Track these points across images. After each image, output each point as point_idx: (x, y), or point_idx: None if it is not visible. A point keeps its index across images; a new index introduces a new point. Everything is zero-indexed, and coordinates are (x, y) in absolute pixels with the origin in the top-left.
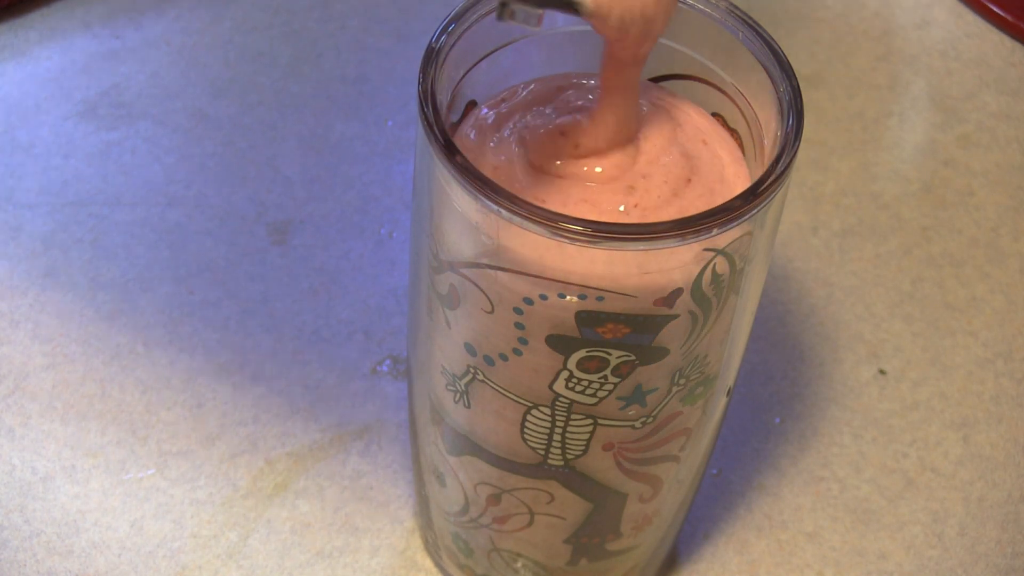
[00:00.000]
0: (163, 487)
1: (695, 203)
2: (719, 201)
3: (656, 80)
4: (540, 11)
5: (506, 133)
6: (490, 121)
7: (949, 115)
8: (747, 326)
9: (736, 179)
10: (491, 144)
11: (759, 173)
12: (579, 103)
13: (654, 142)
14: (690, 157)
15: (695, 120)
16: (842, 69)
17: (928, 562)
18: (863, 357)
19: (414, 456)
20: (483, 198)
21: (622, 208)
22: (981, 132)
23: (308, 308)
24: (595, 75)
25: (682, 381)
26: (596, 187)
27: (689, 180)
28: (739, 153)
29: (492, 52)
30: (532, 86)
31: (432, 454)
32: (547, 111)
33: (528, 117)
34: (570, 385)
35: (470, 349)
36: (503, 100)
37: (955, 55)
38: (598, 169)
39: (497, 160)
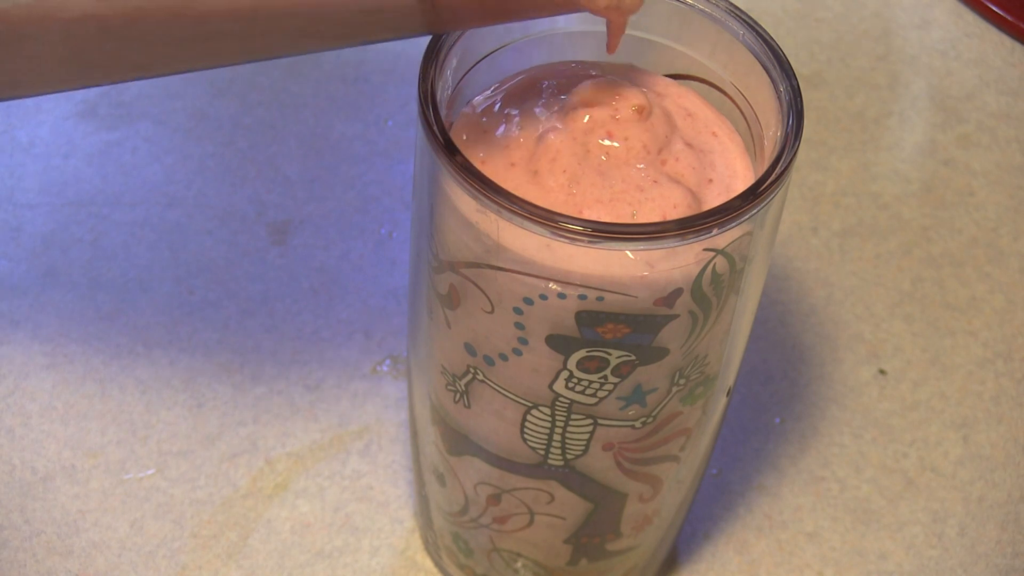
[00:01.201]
0: (163, 487)
1: (715, 202)
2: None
3: None
4: None
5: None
6: (479, 111)
7: (949, 115)
8: (747, 326)
9: (747, 171)
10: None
11: (759, 173)
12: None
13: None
14: (704, 152)
15: (704, 111)
16: (842, 69)
17: (928, 562)
18: (863, 357)
19: (414, 456)
20: (483, 198)
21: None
22: (981, 132)
23: (308, 308)
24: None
25: (682, 381)
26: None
27: (711, 180)
28: (743, 144)
29: (492, 52)
30: (519, 77)
31: (432, 454)
32: (538, 105)
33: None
34: (570, 385)
35: (470, 349)
36: (493, 88)
37: (955, 55)
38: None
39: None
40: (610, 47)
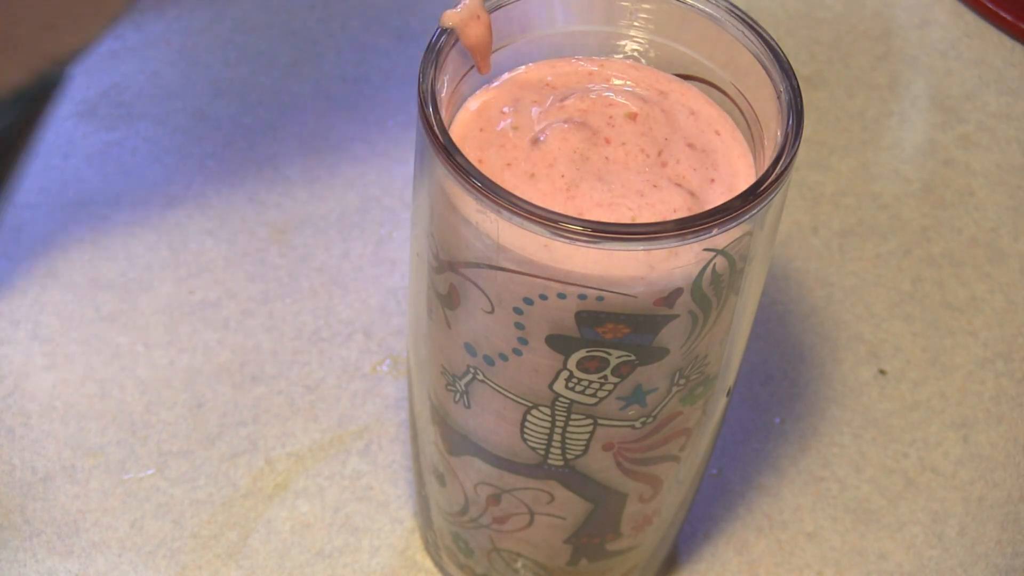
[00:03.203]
0: (163, 487)
1: (718, 202)
2: None
3: None
4: None
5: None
6: (478, 110)
7: (949, 115)
8: (747, 326)
9: (750, 171)
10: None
11: (760, 173)
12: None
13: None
14: (707, 152)
15: (708, 110)
16: (842, 69)
17: (928, 562)
18: (863, 357)
19: (414, 456)
20: (483, 198)
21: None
22: (981, 132)
23: (308, 308)
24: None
25: (682, 381)
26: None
27: (713, 180)
28: (746, 143)
29: (492, 52)
30: (518, 76)
31: (432, 454)
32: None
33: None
34: (570, 385)
35: (470, 349)
36: (492, 88)
37: (955, 55)
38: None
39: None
40: (479, 68)
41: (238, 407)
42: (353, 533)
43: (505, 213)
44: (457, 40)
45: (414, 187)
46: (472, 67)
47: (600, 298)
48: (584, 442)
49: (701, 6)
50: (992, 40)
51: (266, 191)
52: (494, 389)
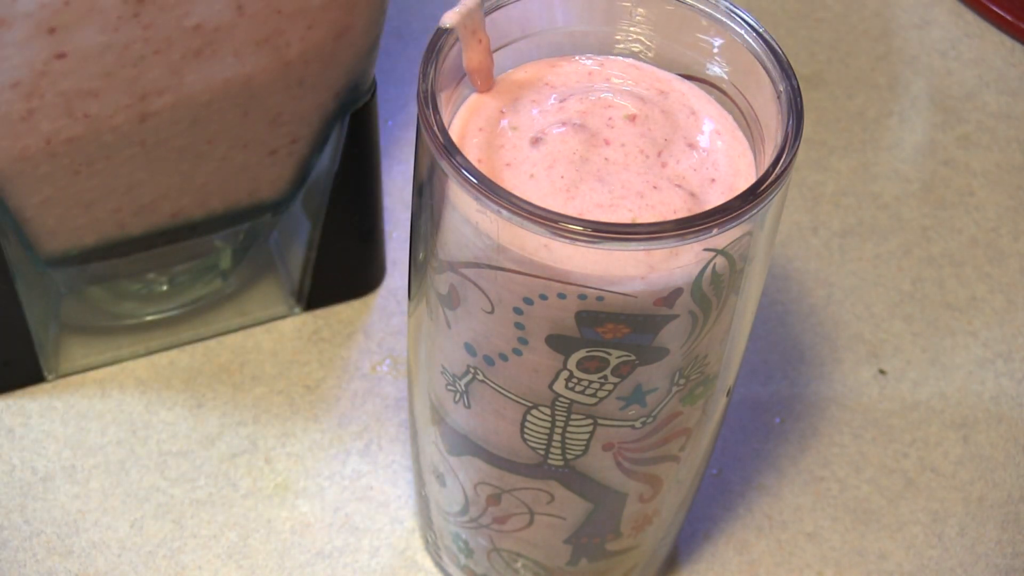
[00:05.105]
0: (163, 487)
1: (718, 202)
2: None
3: None
4: None
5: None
6: (478, 110)
7: (949, 115)
8: (747, 326)
9: (751, 170)
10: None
11: (760, 173)
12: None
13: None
14: (708, 152)
15: (708, 109)
16: (842, 69)
17: (928, 562)
18: (863, 357)
19: (414, 456)
20: (483, 198)
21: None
22: (981, 132)
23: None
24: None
25: (682, 381)
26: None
27: (714, 180)
28: (747, 142)
29: (492, 51)
30: (519, 76)
31: (432, 454)
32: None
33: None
34: (570, 385)
35: (470, 349)
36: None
37: (955, 55)
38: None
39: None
40: (479, 89)
41: (238, 407)
42: (353, 533)
43: (505, 213)
44: (457, 40)
45: (414, 187)
46: None
47: (600, 298)
48: (584, 442)
49: (701, 6)
50: (992, 40)
51: None
52: (494, 389)
